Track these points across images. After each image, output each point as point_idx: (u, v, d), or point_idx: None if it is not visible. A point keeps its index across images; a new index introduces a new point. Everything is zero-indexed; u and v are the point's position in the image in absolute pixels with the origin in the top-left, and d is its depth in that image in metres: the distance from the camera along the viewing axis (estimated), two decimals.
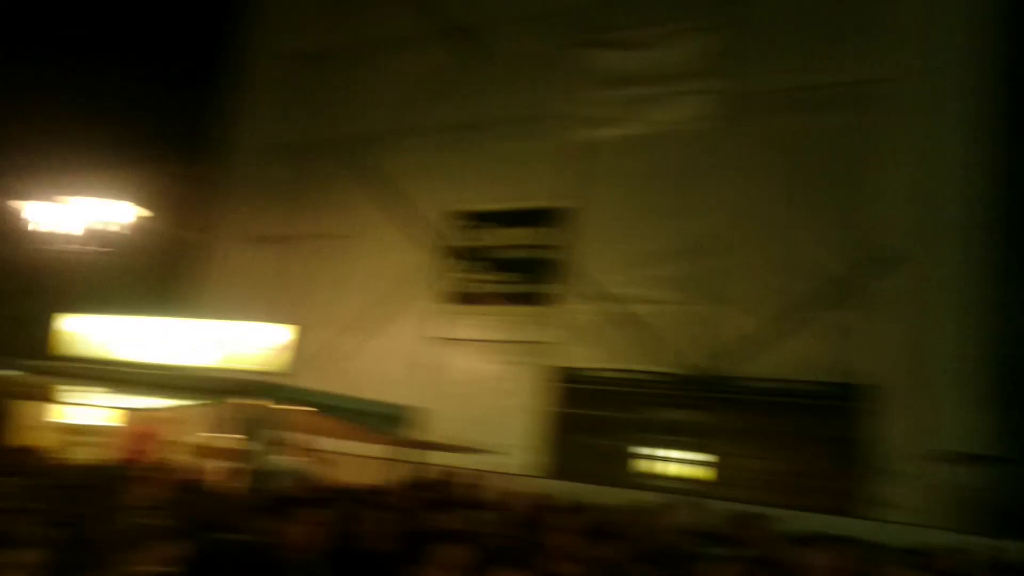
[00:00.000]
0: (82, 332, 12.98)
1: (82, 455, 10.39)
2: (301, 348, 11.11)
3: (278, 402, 9.47)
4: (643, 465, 11.13)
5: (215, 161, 16.09)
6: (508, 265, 12.73)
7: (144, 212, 15.59)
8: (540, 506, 7.39)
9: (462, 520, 5.49)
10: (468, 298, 12.98)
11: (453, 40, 13.62)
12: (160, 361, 11.72)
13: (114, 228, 14.98)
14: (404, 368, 12.37)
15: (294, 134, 14.85)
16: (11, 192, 15.67)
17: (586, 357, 11.68)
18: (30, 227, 15.25)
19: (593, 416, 11.40)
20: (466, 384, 12.30)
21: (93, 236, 14.95)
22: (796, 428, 10.06)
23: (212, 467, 10.42)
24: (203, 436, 11.61)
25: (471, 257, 13.08)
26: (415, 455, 10.13)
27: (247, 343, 11.38)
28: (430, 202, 13.34)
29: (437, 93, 13.50)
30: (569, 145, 12.34)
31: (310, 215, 14.39)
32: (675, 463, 11.02)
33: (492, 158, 12.86)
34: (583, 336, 11.77)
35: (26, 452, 9.18)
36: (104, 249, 15.63)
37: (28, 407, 11.64)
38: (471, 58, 13.40)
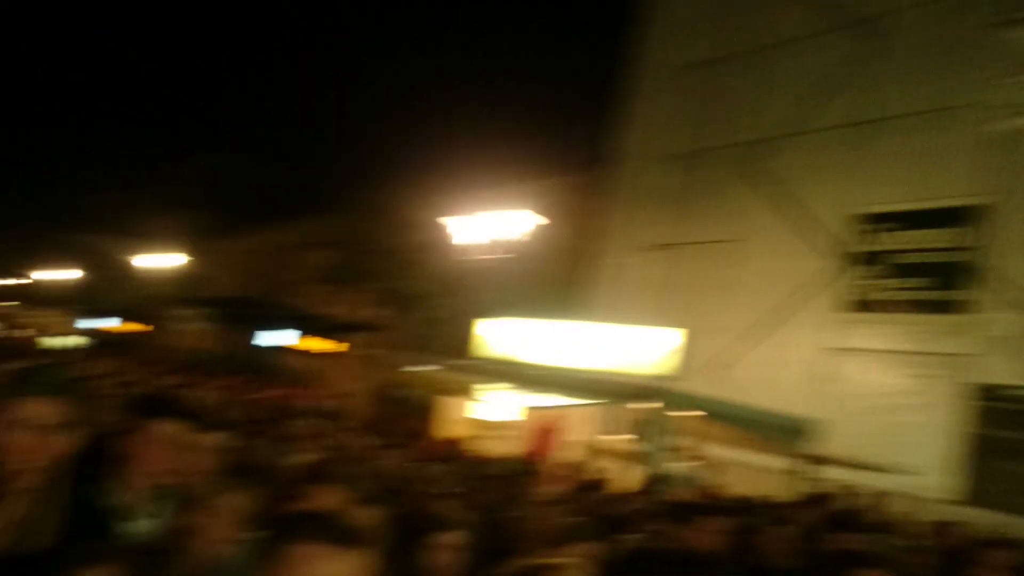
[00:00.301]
0: (493, 334, 14.63)
1: (492, 448, 11.67)
2: (690, 353, 11.39)
3: (670, 406, 10.01)
4: None
5: (608, 170, 17.28)
6: (914, 270, 11.90)
7: (543, 221, 17.20)
8: (957, 536, 6.98)
9: (869, 543, 5.16)
10: (869, 306, 12.38)
11: (851, 34, 13.16)
12: (560, 363, 12.84)
13: (518, 237, 16.76)
14: (798, 378, 12.20)
15: (684, 141, 15.39)
16: (432, 208, 18.33)
17: (1008, 372, 10.54)
18: (448, 239, 17.68)
19: (1018, 439, 10.29)
20: (867, 398, 11.74)
21: (500, 245, 16.88)
22: None
23: (607, 467, 11.33)
24: (598, 436, 12.63)
25: (872, 262, 12.44)
26: (812, 469, 10.05)
27: (639, 347, 11.87)
28: (826, 204, 12.93)
29: (832, 91, 13.10)
30: (986, 136, 11.17)
31: (699, 221, 14.79)
32: None
33: (895, 155, 12.14)
34: (1004, 348, 10.61)
35: (449, 443, 10.57)
36: (510, 257, 17.56)
37: (449, 402, 13.49)
38: (869, 51, 12.79)
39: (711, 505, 5.42)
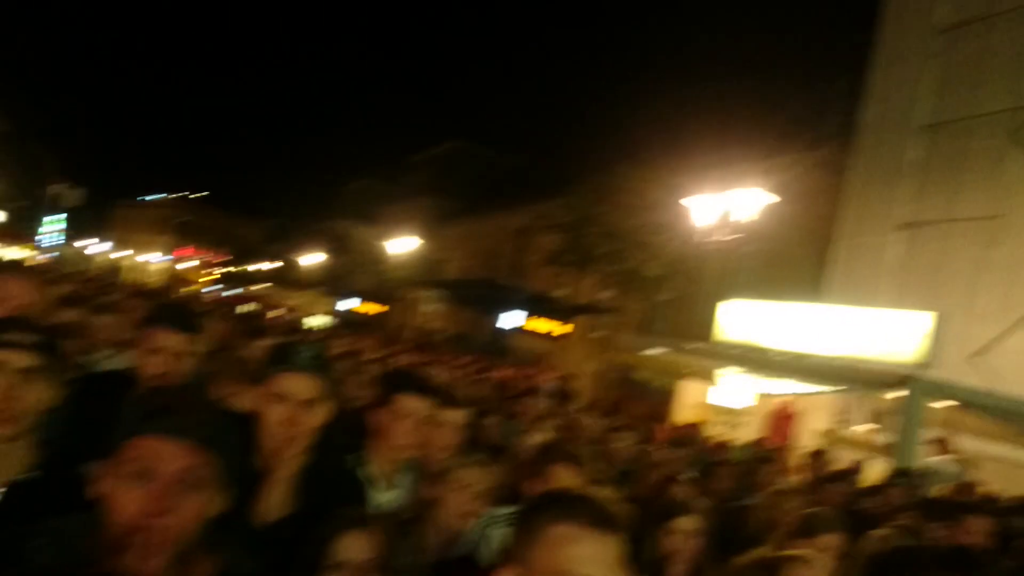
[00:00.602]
0: (730, 317, 14.74)
1: (728, 434, 11.83)
2: (940, 339, 10.98)
3: (918, 395, 9.78)
4: None
5: (848, 145, 16.73)
6: None
7: (780, 199, 16.92)
8: None
9: None
10: None
11: None
12: (799, 347, 12.76)
13: (754, 217, 16.59)
14: None
15: (932, 111, 14.63)
16: (665, 188, 18.52)
17: None
18: (681, 219, 17.82)
19: None
20: None
21: (735, 226, 16.80)
22: None
23: (847, 457, 11.20)
24: (839, 425, 12.47)
25: None
26: None
27: (884, 332, 11.58)
28: None
29: None
30: None
31: (948, 197, 14.02)
32: None
33: None
34: None
35: (684, 427, 10.82)
36: (745, 238, 17.44)
37: (683, 386, 13.76)
38: None
39: (974, 503, 5.32)
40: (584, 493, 1.59)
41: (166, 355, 2.80)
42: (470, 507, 2.80)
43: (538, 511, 1.55)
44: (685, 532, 3.40)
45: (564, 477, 3.08)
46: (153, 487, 1.50)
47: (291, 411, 2.27)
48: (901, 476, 7.59)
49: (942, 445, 9.88)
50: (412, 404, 2.92)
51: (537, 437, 4.62)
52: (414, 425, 2.91)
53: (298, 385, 2.30)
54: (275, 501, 2.19)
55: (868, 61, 16.26)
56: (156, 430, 1.54)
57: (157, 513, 1.48)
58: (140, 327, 3.00)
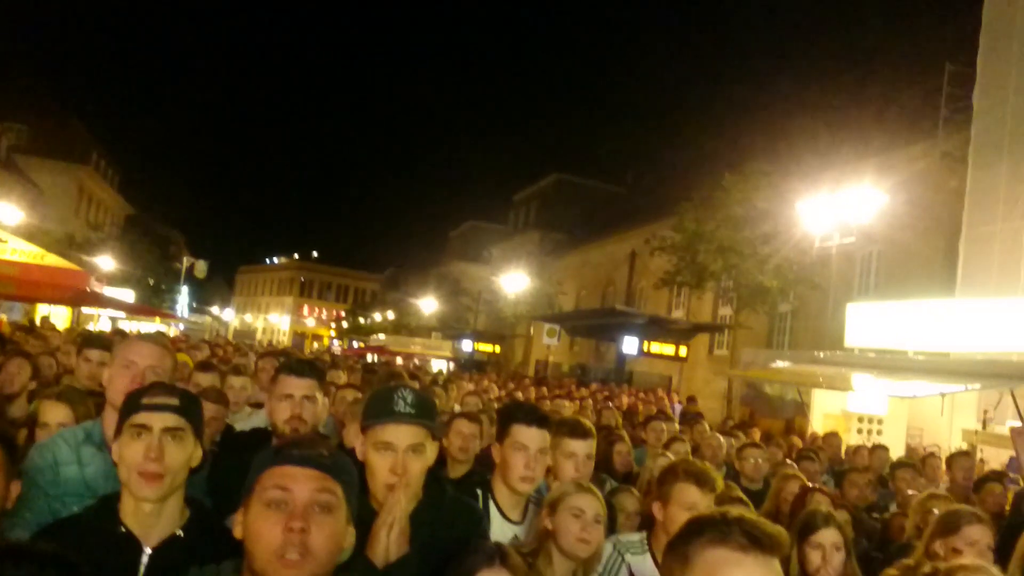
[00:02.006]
0: (860, 322, 14.39)
1: (865, 441, 11.51)
2: None
3: None
4: None
5: (964, 132, 16.17)
6: None
7: (896, 196, 16.45)
8: None
9: None
10: None
11: None
12: (936, 346, 12.34)
13: (872, 217, 16.17)
14: None
15: None
16: (777, 196, 18.26)
17: None
18: (802, 226, 17.50)
19: None
20: None
21: (853, 228, 16.41)
22: None
23: (999, 457, 10.75)
24: (988, 423, 11.97)
25: None
26: None
27: (1018, 320, 11.09)
28: None
29: None
30: None
31: None
32: None
33: None
34: None
35: (818, 438, 10.60)
36: (867, 239, 17.01)
37: (824, 397, 13.49)
38: None
39: None
40: (739, 514, 1.50)
41: (294, 401, 3.11)
42: (585, 535, 2.78)
43: (691, 536, 1.49)
44: (829, 545, 3.42)
45: (689, 495, 3.04)
46: (290, 510, 1.63)
47: (395, 459, 2.33)
48: None
49: None
50: (528, 435, 2.96)
51: (663, 461, 4.62)
52: (532, 456, 2.95)
53: (400, 434, 2.34)
54: (387, 543, 2.21)
55: (976, 43, 15.73)
56: (287, 460, 1.70)
57: (297, 533, 1.60)
58: (272, 378, 3.37)
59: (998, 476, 6.57)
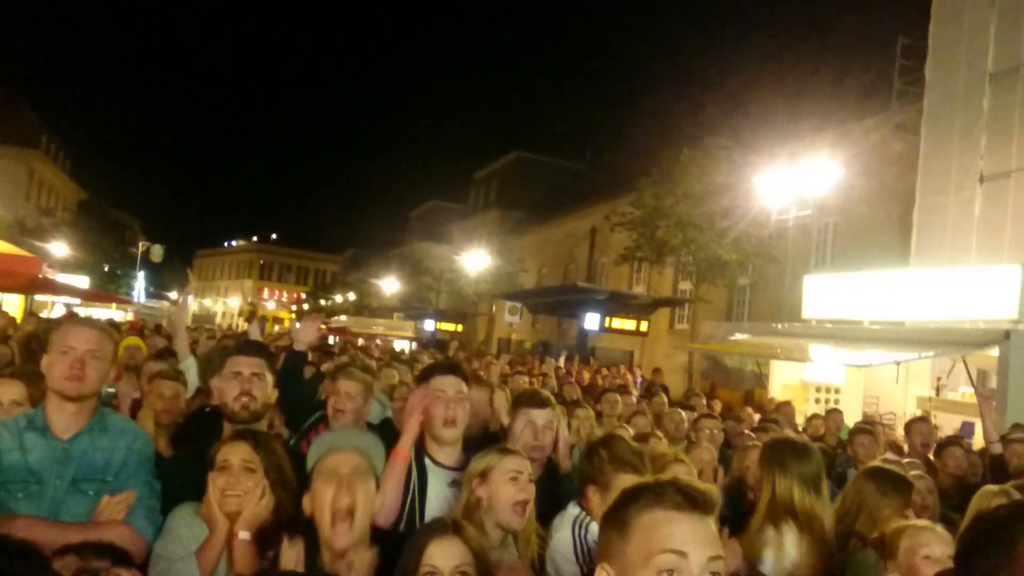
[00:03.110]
0: (815, 293, 14.58)
1: (822, 410, 11.65)
2: None
3: (1016, 351, 9.58)
4: None
5: (916, 104, 16.39)
6: None
7: (852, 169, 16.64)
8: None
9: None
10: None
11: None
12: (891, 316, 12.55)
13: (827, 189, 16.35)
14: None
15: (1000, 57, 14.23)
16: (734, 170, 18.38)
17: None
18: (754, 200, 17.65)
19: None
20: None
21: (809, 200, 16.58)
22: None
23: (952, 422, 10.98)
24: (942, 390, 12.23)
25: None
26: None
27: (975, 289, 11.28)
28: None
29: None
30: None
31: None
32: None
33: None
34: None
35: (777, 408, 10.68)
36: (824, 211, 17.20)
37: (782, 368, 13.66)
38: None
39: None
40: (672, 477, 1.54)
41: (243, 378, 3.18)
42: (523, 495, 2.80)
43: (627, 502, 1.52)
44: None
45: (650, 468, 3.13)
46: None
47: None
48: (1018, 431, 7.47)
49: None
50: (445, 382, 3.24)
51: (624, 434, 4.65)
52: (449, 399, 3.19)
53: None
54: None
55: (928, 17, 15.92)
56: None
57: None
58: (225, 359, 3.44)
59: (958, 440, 6.72)
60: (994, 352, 9.86)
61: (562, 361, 18.32)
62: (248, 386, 3.15)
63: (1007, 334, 9.74)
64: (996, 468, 5.60)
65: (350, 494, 2.36)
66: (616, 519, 1.52)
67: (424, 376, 3.37)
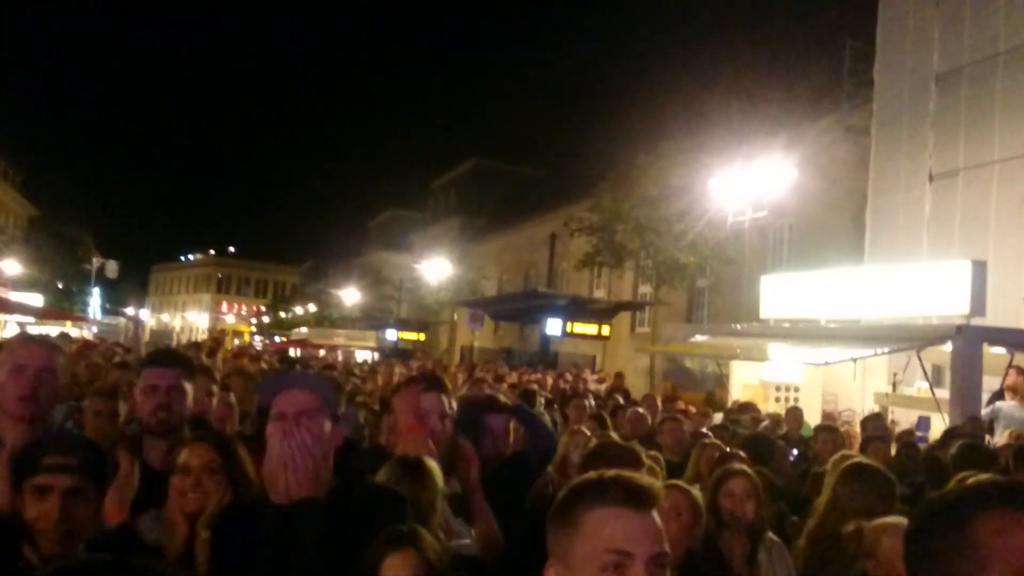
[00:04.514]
0: (772, 293, 14.71)
1: (783, 409, 11.78)
2: (982, 285, 10.69)
3: (968, 346, 9.75)
4: None
5: (862, 105, 16.69)
6: None
7: (805, 170, 16.88)
8: None
9: None
10: None
11: None
12: (847, 314, 12.70)
13: (783, 191, 16.56)
14: None
15: (946, 58, 14.56)
16: (689, 174, 18.54)
17: None
18: (709, 203, 17.83)
19: None
20: None
21: (766, 202, 16.78)
22: None
23: (909, 416, 11.15)
24: (898, 385, 12.41)
25: None
26: None
27: (927, 286, 11.45)
28: None
29: None
30: None
31: (976, 141, 13.91)
32: None
33: None
34: None
35: (738, 408, 10.81)
36: (779, 212, 17.41)
37: (742, 368, 13.76)
38: None
39: None
40: (615, 473, 1.54)
41: (159, 391, 2.96)
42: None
43: (573, 500, 1.52)
44: (740, 492, 3.55)
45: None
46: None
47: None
48: (965, 426, 7.61)
49: (1013, 391, 9.79)
50: (427, 399, 3.15)
51: (581, 438, 4.68)
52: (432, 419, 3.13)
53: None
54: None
55: (875, 20, 16.23)
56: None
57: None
58: (139, 368, 3.27)
59: (880, 436, 6.79)
60: (947, 347, 10.01)
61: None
62: (165, 399, 2.94)
63: (959, 329, 9.90)
64: (932, 467, 5.71)
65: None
66: (562, 517, 1.52)
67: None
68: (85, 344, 12.72)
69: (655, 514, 1.50)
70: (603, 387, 14.89)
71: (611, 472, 1.56)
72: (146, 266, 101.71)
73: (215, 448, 2.58)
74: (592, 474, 1.59)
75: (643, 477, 1.59)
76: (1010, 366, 9.52)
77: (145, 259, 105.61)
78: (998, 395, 9.53)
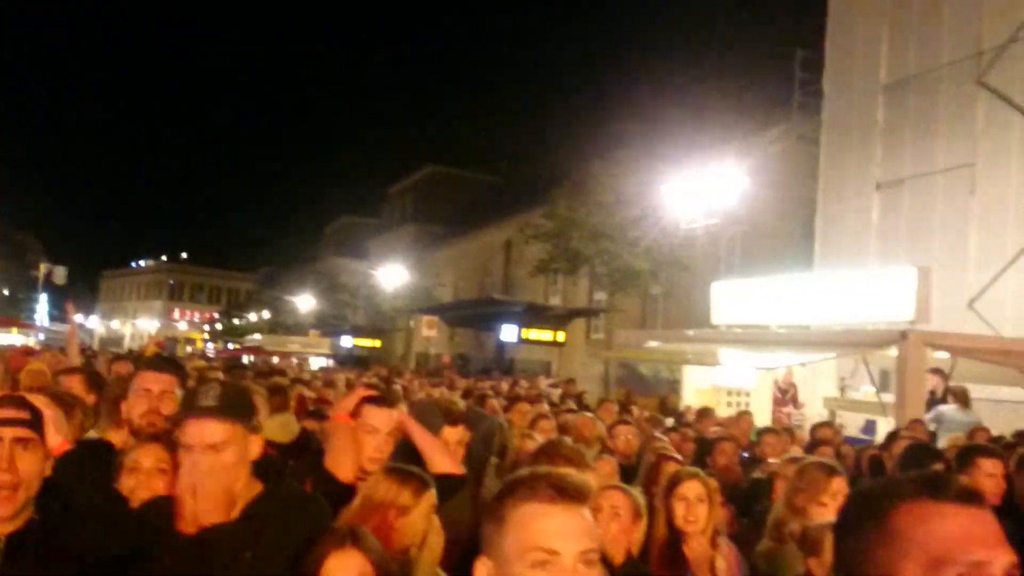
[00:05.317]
0: (722, 300, 14.85)
1: (733, 413, 11.89)
2: (927, 291, 10.94)
3: (912, 350, 9.89)
4: None
5: (812, 114, 16.96)
6: None
7: (756, 178, 17.10)
8: None
9: None
10: None
11: None
12: (797, 320, 12.84)
13: (733, 198, 16.75)
14: None
15: (893, 69, 14.86)
16: (642, 182, 18.67)
17: None
18: (662, 210, 17.96)
19: None
20: None
21: (718, 209, 16.95)
22: None
23: (856, 420, 11.30)
24: (845, 390, 12.58)
25: None
26: None
27: (874, 292, 11.64)
28: None
29: None
30: None
31: (921, 151, 14.20)
32: None
33: None
34: None
35: (687, 413, 10.87)
36: (731, 219, 17.59)
37: (694, 373, 13.84)
38: None
39: (984, 446, 5.23)
40: (546, 470, 1.55)
41: (152, 395, 3.06)
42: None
43: (504, 497, 1.53)
44: (693, 497, 3.52)
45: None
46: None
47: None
48: (906, 429, 7.71)
49: (954, 395, 9.98)
50: (379, 416, 3.14)
51: (529, 443, 4.66)
52: (382, 438, 3.11)
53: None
54: None
55: (824, 31, 16.50)
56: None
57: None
58: (133, 375, 3.32)
59: (828, 441, 6.86)
60: (893, 352, 10.15)
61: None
62: (156, 403, 3.03)
63: (903, 334, 10.04)
64: (875, 470, 5.78)
65: None
66: (493, 513, 1.53)
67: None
68: (25, 350, 12.39)
69: (585, 510, 1.51)
70: (557, 392, 14.89)
71: (543, 468, 1.57)
72: (96, 272, 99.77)
73: (165, 448, 2.58)
74: (524, 471, 1.60)
75: (574, 473, 1.58)
76: (931, 370, 9.75)
77: (95, 265, 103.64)
78: (931, 399, 9.73)
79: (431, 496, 2.77)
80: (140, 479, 2.53)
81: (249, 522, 2.24)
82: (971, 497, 1.23)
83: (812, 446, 6.49)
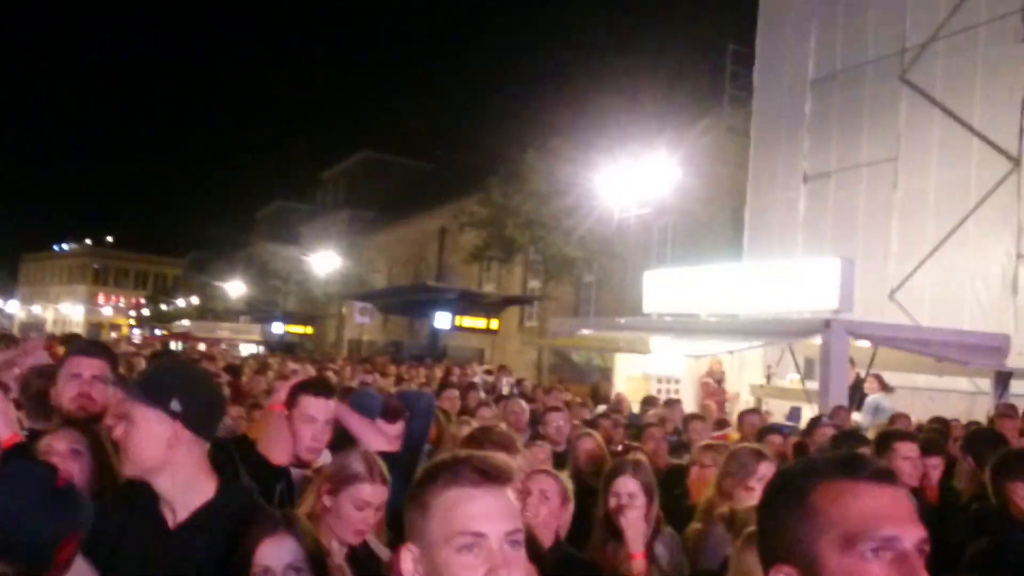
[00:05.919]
0: (653, 288, 14.99)
1: (663, 400, 12.02)
2: (850, 282, 11.18)
3: (836, 339, 10.12)
4: None
5: (745, 108, 17.22)
6: None
7: (689, 168, 17.33)
8: None
9: None
10: None
11: None
12: (725, 308, 13.04)
13: (665, 188, 16.95)
14: (972, 294, 11.96)
15: (821, 64, 15.17)
16: (576, 171, 18.75)
17: None
18: (595, 199, 18.08)
19: None
20: None
21: (648, 199, 17.15)
22: None
23: (781, 408, 11.52)
24: (771, 377, 12.83)
25: None
26: (998, 388, 9.92)
27: (799, 282, 11.87)
28: (993, 107, 12.48)
29: None
30: None
31: (847, 145, 14.55)
32: None
33: None
34: None
35: (619, 400, 10.96)
36: (663, 209, 17.80)
37: (625, 361, 13.95)
38: None
39: (902, 431, 5.38)
40: (468, 454, 1.56)
41: (82, 380, 3.00)
42: (365, 526, 2.69)
43: (426, 482, 1.53)
44: (625, 494, 3.50)
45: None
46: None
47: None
48: (828, 418, 7.90)
49: (877, 382, 10.26)
50: (317, 406, 3.08)
51: (465, 429, 4.62)
52: (319, 427, 3.07)
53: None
54: None
55: (755, 25, 16.74)
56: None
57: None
58: (63, 359, 3.22)
59: (778, 428, 7.00)
60: (817, 340, 10.37)
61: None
62: (87, 388, 2.98)
63: (827, 323, 10.26)
64: (800, 454, 5.89)
65: None
66: (416, 499, 1.53)
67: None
68: None
69: (509, 492, 1.53)
70: (490, 380, 14.87)
71: (464, 452, 1.59)
72: (16, 255, 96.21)
73: (81, 433, 2.59)
74: (446, 455, 1.60)
75: (496, 455, 1.59)
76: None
77: (15, 248, 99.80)
78: (853, 388, 10.00)
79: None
80: (55, 464, 2.42)
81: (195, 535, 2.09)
82: (886, 476, 1.30)
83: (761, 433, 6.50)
